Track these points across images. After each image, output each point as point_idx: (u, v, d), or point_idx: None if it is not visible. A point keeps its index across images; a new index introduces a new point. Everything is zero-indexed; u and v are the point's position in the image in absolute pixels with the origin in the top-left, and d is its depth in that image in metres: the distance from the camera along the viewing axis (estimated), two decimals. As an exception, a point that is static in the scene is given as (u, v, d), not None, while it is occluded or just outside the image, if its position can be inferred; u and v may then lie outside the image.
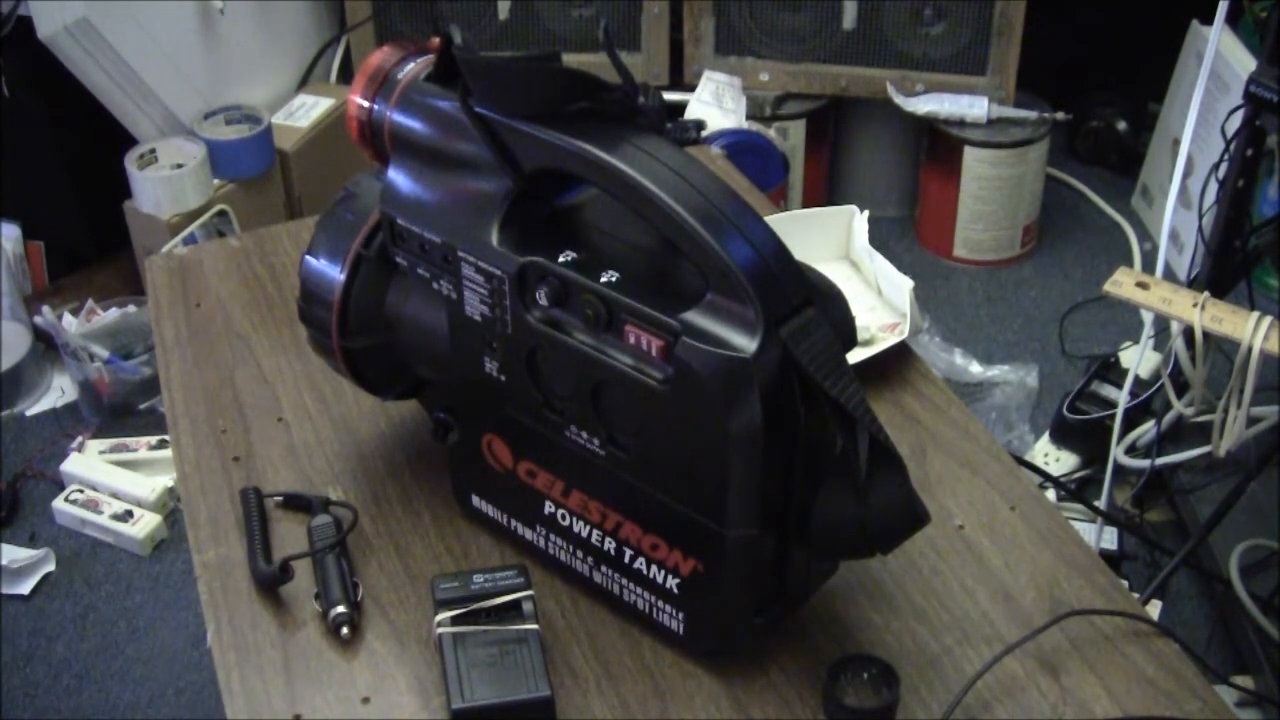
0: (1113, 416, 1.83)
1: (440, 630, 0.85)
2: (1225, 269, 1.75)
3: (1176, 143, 2.39)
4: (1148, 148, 2.60)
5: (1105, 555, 1.73)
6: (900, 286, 1.19)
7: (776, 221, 1.20)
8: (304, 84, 2.45)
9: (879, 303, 1.23)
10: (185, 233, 2.11)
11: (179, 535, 1.91)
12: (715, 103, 2.32)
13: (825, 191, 2.58)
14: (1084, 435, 1.97)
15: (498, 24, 2.40)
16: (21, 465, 2.04)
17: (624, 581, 0.88)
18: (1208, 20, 1.99)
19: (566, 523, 0.89)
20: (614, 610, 0.90)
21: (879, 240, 1.42)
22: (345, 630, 0.88)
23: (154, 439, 2.02)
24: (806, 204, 2.47)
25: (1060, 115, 2.39)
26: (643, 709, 0.84)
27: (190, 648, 1.76)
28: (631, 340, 0.78)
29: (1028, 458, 1.92)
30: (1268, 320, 1.40)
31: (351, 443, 1.05)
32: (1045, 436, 2.03)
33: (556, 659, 0.87)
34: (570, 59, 0.79)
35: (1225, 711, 0.86)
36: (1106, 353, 2.14)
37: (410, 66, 0.88)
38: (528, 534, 0.93)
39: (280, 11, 2.39)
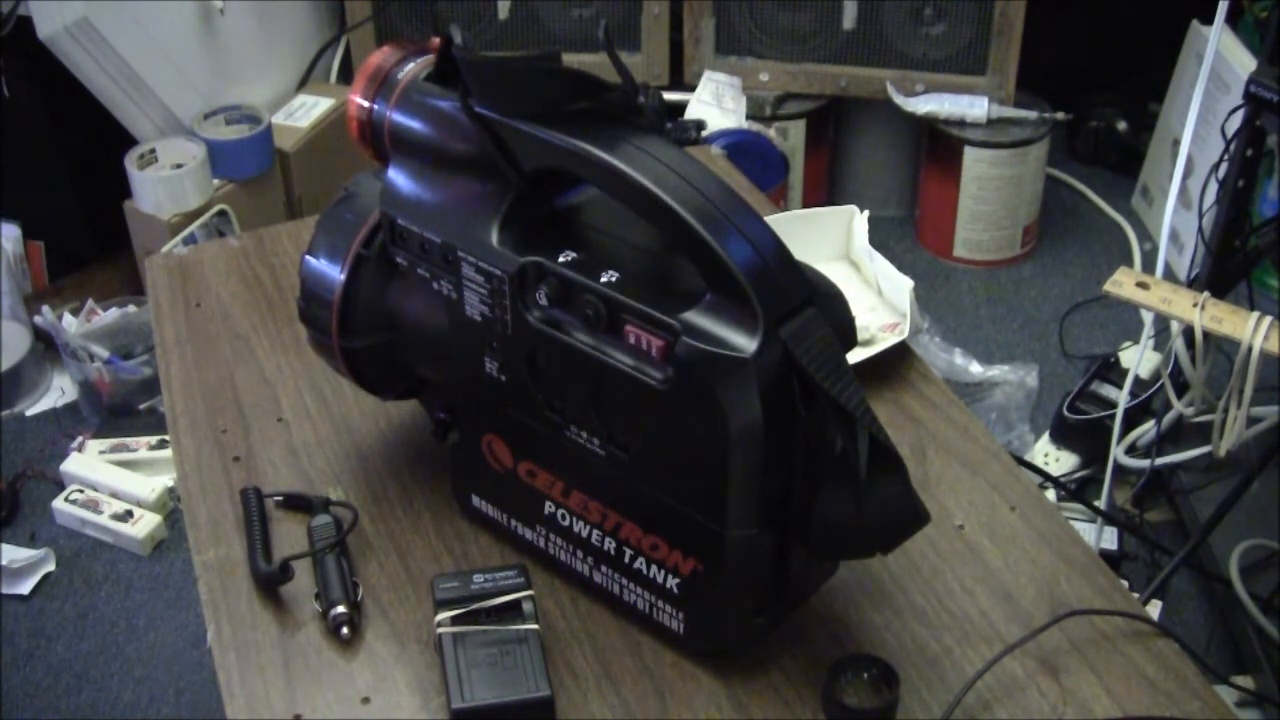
0: (1113, 416, 1.83)
1: (440, 630, 0.85)
2: (1225, 269, 1.75)
3: (1176, 143, 2.39)
4: (1148, 148, 2.60)
5: (1105, 555, 1.73)
6: (900, 286, 1.19)
7: (776, 221, 1.20)
8: (304, 84, 2.45)
9: (879, 303, 1.23)
10: (185, 233, 2.11)
11: (179, 535, 1.91)
12: (715, 103, 2.32)
13: (825, 191, 2.58)
14: (1084, 435, 1.97)
15: (498, 24, 2.40)
16: (21, 465, 2.04)
17: (624, 581, 0.88)
18: (1208, 20, 1.99)
19: (566, 523, 0.89)
20: (614, 610, 0.90)
21: (879, 240, 1.42)
22: (345, 630, 0.88)
23: (154, 439, 2.02)
24: (806, 204, 2.47)
25: (1060, 115, 2.39)
26: (643, 709, 0.84)
27: (190, 648, 1.76)
28: (631, 340, 0.78)
29: (1028, 458, 1.92)
30: (1268, 320, 1.40)
31: (351, 443, 1.05)
32: (1045, 436, 2.03)
33: (556, 659, 0.87)
34: (570, 59, 0.79)
35: (1225, 711, 0.86)
36: (1106, 353, 2.14)
37: (410, 66, 0.88)
38: (528, 534, 0.93)
39: (280, 11, 2.39)
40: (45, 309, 2.12)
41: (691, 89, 2.36)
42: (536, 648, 0.84)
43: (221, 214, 2.16)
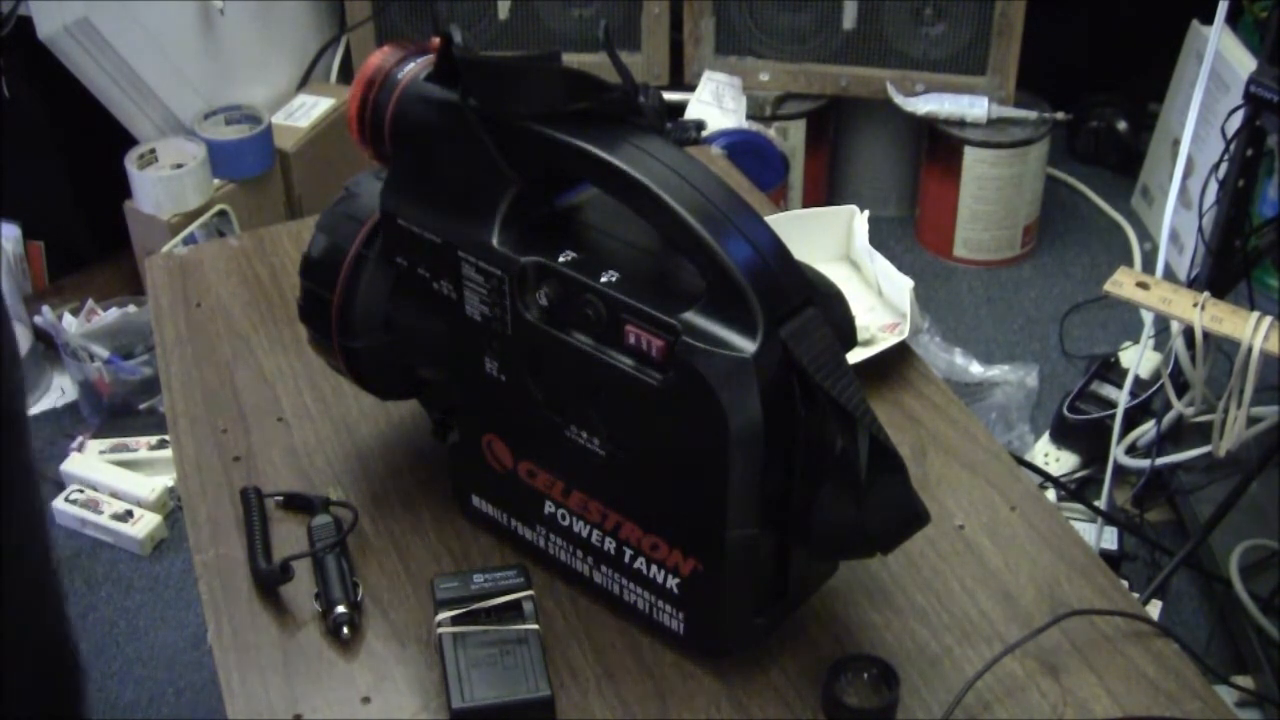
0: (1113, 416, 1.83)
1: (440, 630, 0.85)
2: (1225, 269, 1.75)
3: (1176, 143, 2.39)
4: (1148, 148, 2.60)
5: (1105, 555, 1.73)
6: (900, 286, 1.19)
7: (776, 221, 1.20)
8: (304, 84, 2.45)
9: (879, 303, 1.23)
10: (185, 233, 2.11)
11: (179, 535, 1.91)
12: (715, 103, 2.32)
13: (825, 191, 2.58)
14: (1084, 435, 1.97)
15: (498, 24, 2.40)
16: (21, 465, 2.04)
17: (624, 581, 0.88)
18: (1208, 20, 1.99)
19: (566, 523, 0.89)
20: (614, 610, 0.90)
21: (879, 240, 1.42)
22: (345, 630, 0.88)
23: (154, 439, 2.02)
24: (806, 204, 2.47)
25: (1060, 115, 2.39)
26: (643, 709, 0.84)
27: (190, 648, 1.76)
28: (631, 340, 0.78)
29: (1028, 458, 1.92)
30: (1268, 320, 1.40)
31: (351, 443, 1.05)
32: (1045, 436, 2.03)
33: (556, 659, 0.87)
34: (570, 59, 0.79)
35: (1225, 711, 0.86)
36: (1106, 353, 2.14)
37: (410, 66, 0.88)
38: (528, 534, 0.93)
39: (280, 11, 2.39)
40: (45, 309, 2.12)
41: (691, 89, 2.36)
42: (536, 648, 0.84)
43: (221, 214, 2.16)
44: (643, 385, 0.78)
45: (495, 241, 0.83)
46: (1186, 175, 2.07)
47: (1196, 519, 1.75)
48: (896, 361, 1.12)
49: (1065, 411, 2.00)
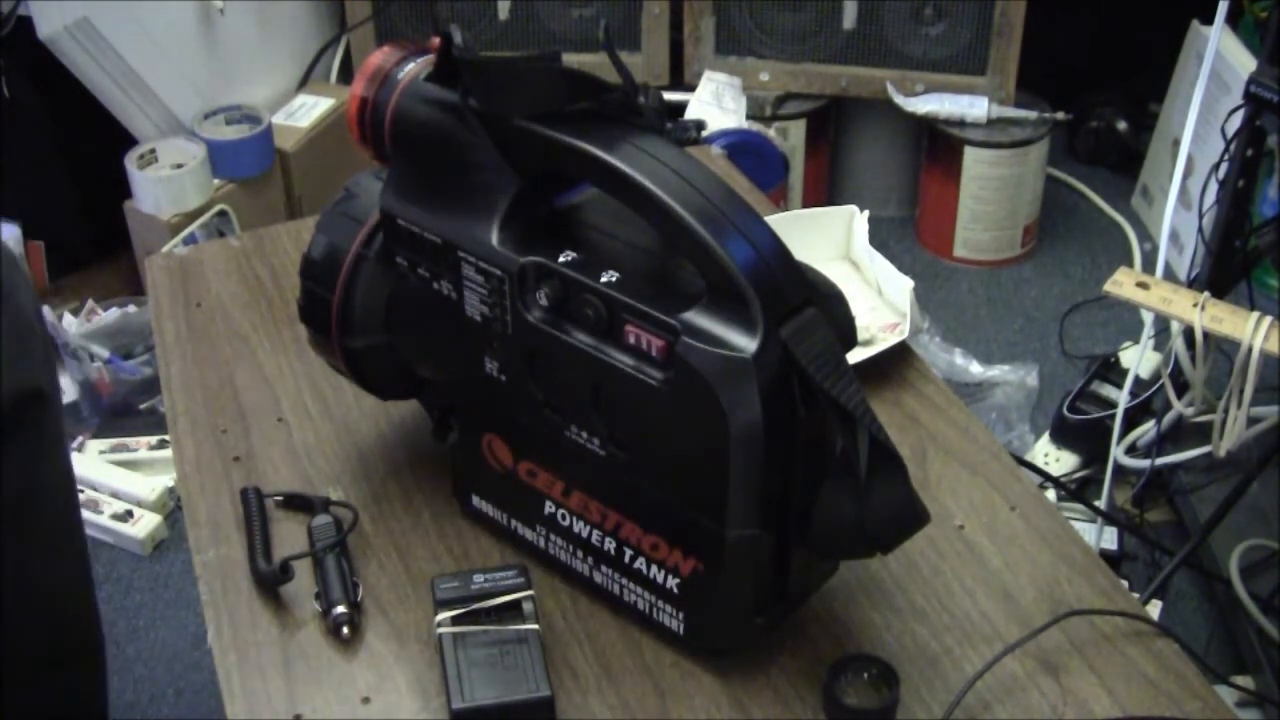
0: (1113, 416, 1.83)
1: (440, 630, 0.85)
2: (1225, 269, 1.75)
3: (1176, 143, 2.39)
4: (1148, 148, 2.60)
5: (1105, 555, 1.73)
6: (900, 286, 1.19)
7: (776, 221, 1.20)
8: (304, 84, 2.45)
9: (879, 303, 1.23)
10: (185, 233, 2.11)
11: (179, 535, 1.91)
12: (715, 103, 2.32)
13: (825, 191, 2.58)
14: (1084, 435, 1.97)
15: (498, 24, 2.40)
16: (21, 465, 2.04)
17: (624, 581, 0.88)
18: (1208, 20, 1.99)
19: (566, 523, 0.89)
20: (614, 610, 0.90)
21: (879, 240, 1.42)
22: (345, 630, 0.88)
23: (154, 439, 2.02)
24: (806, 204, 2.47)
25: (1060, 115, 2.39)
26: (643, 709, 0.84)
27: (190, 648, 1.76)
28: (631, 340, 0.78)
29: (1028, 458, 1.92)
30: (1268, 320, 1.40)
31: (351, 443, 1.05)
32: (1045, 436, 2.03)
33: (556, 659, 0.87)
34: (570, 59, 0.79)
35: (1225, 711, 0.86)
36: (1106, 353, 2.14)
37: (410, 66, 0.88)
38: (528, 534, 0.93)
39: (280, 11, 2.39)
40: (45, 309, 2.12)
41: (691, 89, 2.36)
42: (536, 648, 0.84)
43: (221, 214, 2.16)
44: (643, 385, 0.78)
45: (495, 241, 0.83)
46: (1186, 175, 2.07)
47: (1196, 519, 1.75)
48: (896, 361, 1.12)
49: (1065, 411, 2.00)
